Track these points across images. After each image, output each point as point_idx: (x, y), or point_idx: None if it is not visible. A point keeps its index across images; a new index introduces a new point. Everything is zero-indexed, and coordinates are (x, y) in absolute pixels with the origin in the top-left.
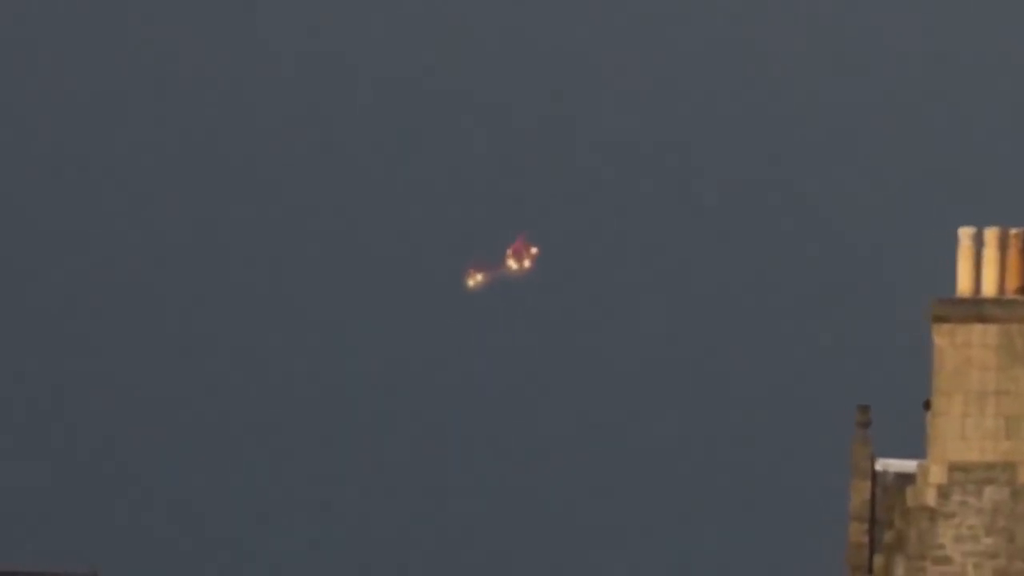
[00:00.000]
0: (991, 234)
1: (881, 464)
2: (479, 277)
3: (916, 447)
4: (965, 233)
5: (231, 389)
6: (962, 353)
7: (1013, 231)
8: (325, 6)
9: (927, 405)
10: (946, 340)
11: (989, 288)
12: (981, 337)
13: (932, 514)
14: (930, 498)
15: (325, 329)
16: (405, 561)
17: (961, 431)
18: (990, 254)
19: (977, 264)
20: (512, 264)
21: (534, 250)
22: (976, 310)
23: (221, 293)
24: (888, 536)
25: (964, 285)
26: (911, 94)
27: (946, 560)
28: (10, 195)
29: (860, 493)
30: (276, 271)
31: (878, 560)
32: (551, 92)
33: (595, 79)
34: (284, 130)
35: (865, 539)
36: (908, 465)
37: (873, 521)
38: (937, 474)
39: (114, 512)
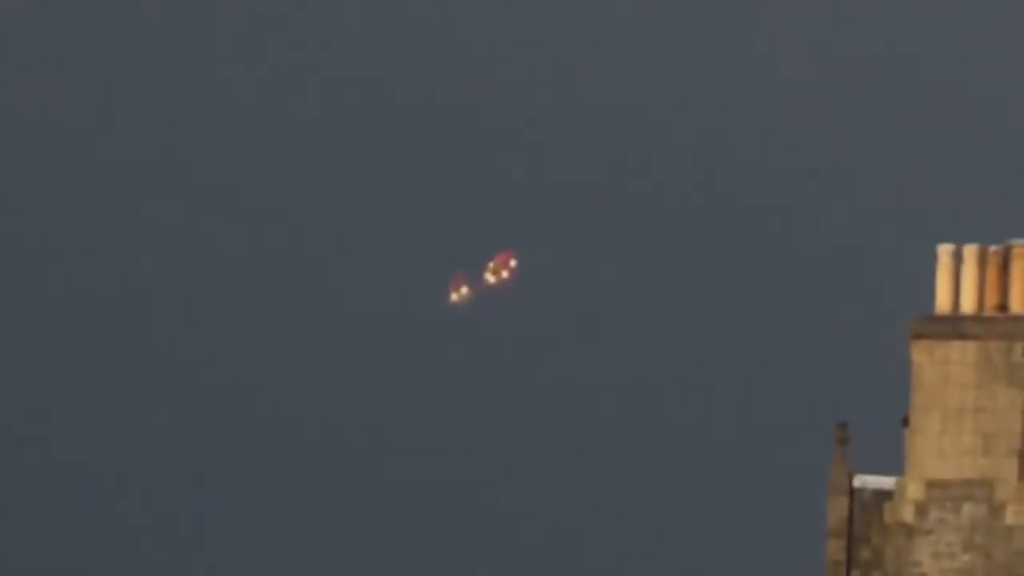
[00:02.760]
0: (970, 251)
1: (859, 480)
2: (463, 291)
3: (894, 464)
4: (944, 250)
5: (219, 403)
6: (941, 370)
7: (992, 248)
8: (309, 20)
9: (905, 421)
10: (925, 357)
11: (968, 305)
12: (960, 354)
13: (909, 531)
14: (907, 515)
15: (310, 343)
16: (389, 570)
17: (939, 448)
18: (969, 271)
19: (956, 281)
20: (491, 278)
21: (513, 263)
22: (955, 327)
23: (210, 305)
24: (865, 553)
25: (943, 302)
26: (894, 111)
27: None
28: (10, 200)
29: (837, 510)
30: (262, 285)
31: None
32: (534, 104)
33: (577, 90)
34: (266, 143)
35: (842, 556)
36: (886, 482)
37: (851, 538)
38: (915, 491)
39: (103, 522)
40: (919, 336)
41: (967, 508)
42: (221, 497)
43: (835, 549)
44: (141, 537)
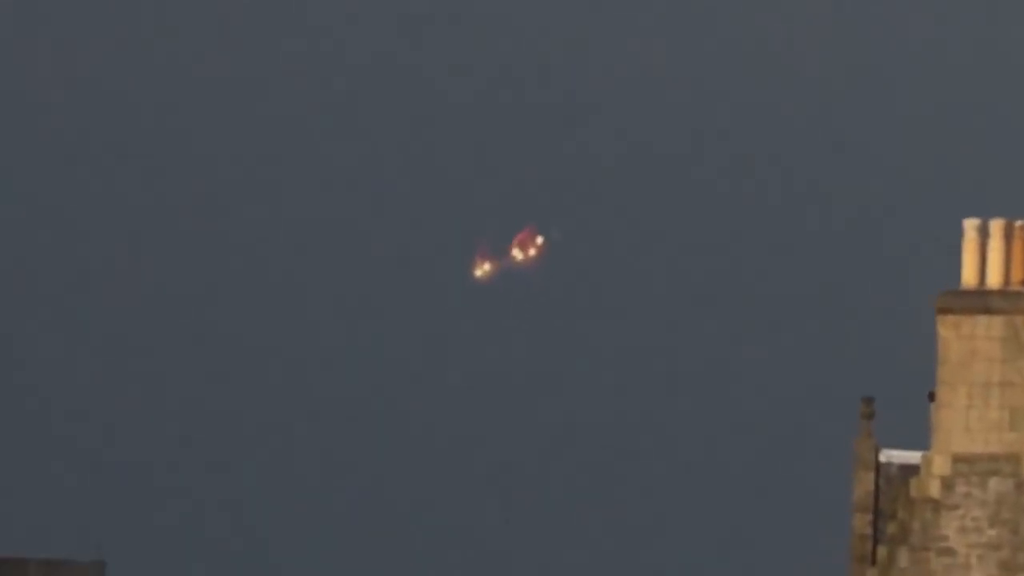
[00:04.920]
0: (996, 225)
1: (885, 455)
2: (487, 267)
3: (920, 438)
4: (970, 224)
5: (236, 381)
6: (967, 344)
7: (1018, 222)
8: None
9: (931, 396)
10: (951, 331)
11: (994, 279)
12: (986, 329)
13: (936, 506)
14: (934, 490)
15: (330, 320)
16: (408, 554)
17: (965, 422)
18: (995, 245)
19: (982, 255)
20: (517, 254)
21: (540, 240)
22: (981, 302)
23: (225, 285)
24: (892, 528)
25: (969, 277)
26: (916, 86)
27: (950, 552)
28: (15, 193)
29: (864, 484)
30: (281, 263)
31: (882, 552)
32: (558, 80)
33: (604, 69)
34: (286, 123)
35: (869, 531)
36: (912, 456)
37: (877, 512)
38: (941, 465)
39: (120, 501)
40: (945, 311)
41: (993, 483)
42: (241, 477)
43: (861, 524)
44: (163, 518)
